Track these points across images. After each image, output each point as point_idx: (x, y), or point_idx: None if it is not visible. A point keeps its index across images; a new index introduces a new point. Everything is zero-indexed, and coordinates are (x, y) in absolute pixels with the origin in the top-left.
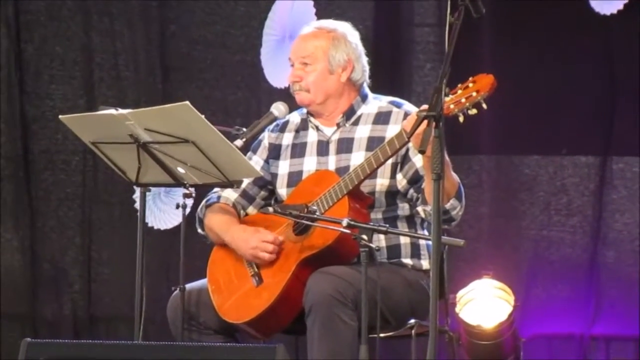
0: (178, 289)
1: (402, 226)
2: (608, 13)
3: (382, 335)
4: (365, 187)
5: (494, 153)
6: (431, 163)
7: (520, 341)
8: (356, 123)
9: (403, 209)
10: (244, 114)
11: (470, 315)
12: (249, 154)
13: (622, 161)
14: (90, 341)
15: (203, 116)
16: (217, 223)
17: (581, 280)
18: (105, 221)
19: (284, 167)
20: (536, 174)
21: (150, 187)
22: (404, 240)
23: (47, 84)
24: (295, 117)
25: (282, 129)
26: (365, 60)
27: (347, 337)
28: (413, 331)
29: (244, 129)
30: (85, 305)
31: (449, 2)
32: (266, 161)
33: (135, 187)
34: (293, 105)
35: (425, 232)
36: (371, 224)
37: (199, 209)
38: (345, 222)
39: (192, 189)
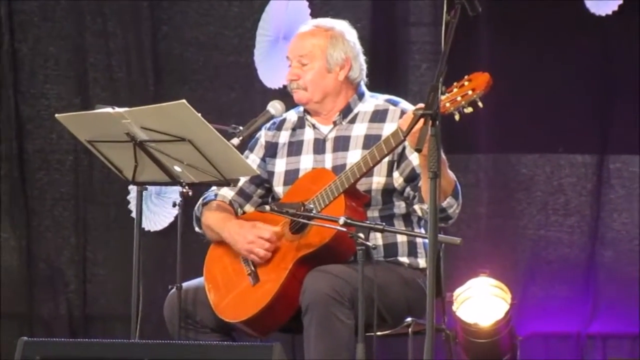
0: (175, 287)
1: (399, 224)
2: (603, 14)
3: (378, 333)
4: (361, 185)
5: (491, 152)
6: (428, 161)
7: (517, 339)
8: (353, 121)
9: (399, 207)
10: (237, 114)
11: (467, 313)
12: (245, 152)
13: (619, 160)
14: (87, 340)
15: (199, 114)
16: (214, 220)
17: (579, 280)
18: (100, 221)
19: (280, 165)
20: (533, 174)
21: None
22: (401, 239)
23: (41, 84)
24: (292, 115)
25: (279, 127)
26: (362, 58)
27: (344, 336)
28: (410, 329)
29: (241, 127)
30: (81, 305)
31: (445, 1)
32: (263, 159)
33: (130, 187)
34: (290, 104)
35: (422, 231)
36: (368, 222)
37: (195, 207)
38: (342, 220)
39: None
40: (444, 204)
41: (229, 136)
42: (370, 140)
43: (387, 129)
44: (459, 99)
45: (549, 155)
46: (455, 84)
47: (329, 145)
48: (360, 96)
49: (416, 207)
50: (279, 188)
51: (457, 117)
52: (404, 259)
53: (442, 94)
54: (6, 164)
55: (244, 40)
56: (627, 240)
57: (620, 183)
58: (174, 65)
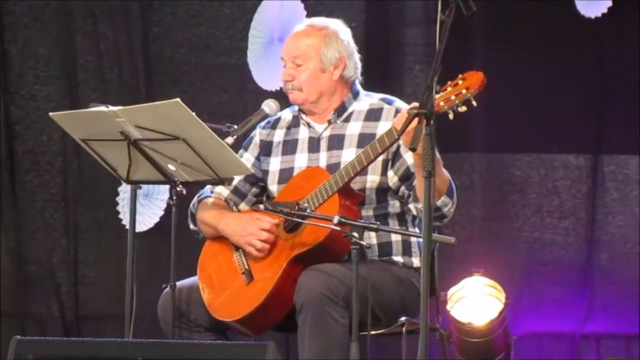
0: (169, 286)
1: (393, 223)
2: (593, 16)
3: (372, 332)
4: (355, 184)
5: (485, 151)
6: (422, 160)
7: (511, 339)
8: (347, 120)
9: (394, 206)
10: (229, 116)
11: (461, 312)
12: (240, 151)
13: (613, 163)
14: (80, 339)
15: (194, 113)
16: (210, 215)
17: (574, 282)
18: (90, 223)
19: (275, 164)
20: (527, 176)
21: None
22: (395, 238)
23: (31, 85)
24: (286, 114)
25: (274, 125)
26: (357, 57)
27: (338, 335)
28: (404, 329)
29: (235, 126)
30: (73, 307)
31: (440, 0)
32: (257, 158)
33: (119, 189)
34: (285, 104)
35: (417, 230)
36: (362, 221)
37: (191, 204)
38: (336, 219)
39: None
40: (439, 202)
41: (223, 135)
42: (364, 139)
43: (382, 127)
44: (453, 97)
45: (543, 157)
46: (449, 82)
47: (323, 144)
48: (355, 95)
49: (411, 206)
50: (273, 187)
51: (451, 116)
52: (398, 258)
53: (437, 93)
54: None
55: (235, 42)
56: (621, 242)
57: (615, 186)
58: (165, 67)
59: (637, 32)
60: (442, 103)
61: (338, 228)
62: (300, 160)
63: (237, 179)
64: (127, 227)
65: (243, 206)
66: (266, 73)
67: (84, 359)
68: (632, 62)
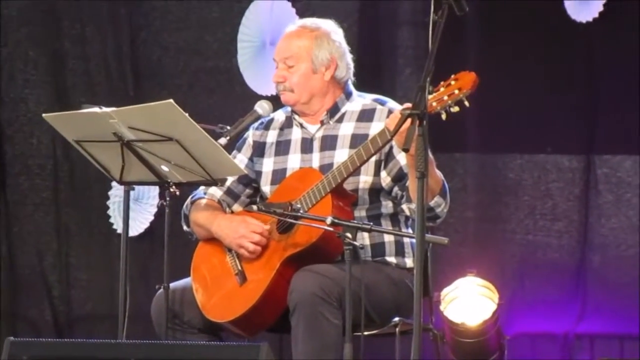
0: (162, 287)
1: (386, 224)
2: (584, 20)
3: (366, 333)
4: (348, 185)
5: (477, 152)
6: (415, 161)
7: (504, 339)
8: (340, 120)
9: (387, 206)
10: (218, 119)
11: (455, 313)
12: (233, 152)
13: (607, 166)
14: (74, 340)
15: (187, 114)
16: (203, 216)
17: (567, 284)
18: (81, 226)
19: (268, 165)
20: (520, 178)
21: (120, 195)
22: (388, 239)
23: (21, 88)
24: (280, 115)
25: (267, 126)
26: (349, 57)
27: (331, 336)
28: (397, 329)
29: (228, 127)
30: (65, 311)
31: (432, 1)
32: (250, 159)
33: (109, 193)
34: (278, 106)
35: (410, 230)
36: (355, 222)
37: (184, 206)
38: (329, 220)
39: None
40: (432, 203)
41: (216, 136)
42: (357, 140)
43: (375, 128)
44: (445, 98)
45: (536, 160)
46: (442, 83)
47: (316, 145)
48: (348, 95)
49: (404, 206)
50: (266, 187)
51: (443, 116)
52: (392, 259)
53: (429, 93)
54: None
55: (224, 45)
56: (614, 245)
57: (608, 189)
58: (153, 70)
59: (627, 35)
60: (434, 103)
61: (331, 229)
62: (293, 161)
63: (230, 180)
64: (119, 231)
65: (236, 207)
66: (260, 78)
67: None
68: (624, 65)
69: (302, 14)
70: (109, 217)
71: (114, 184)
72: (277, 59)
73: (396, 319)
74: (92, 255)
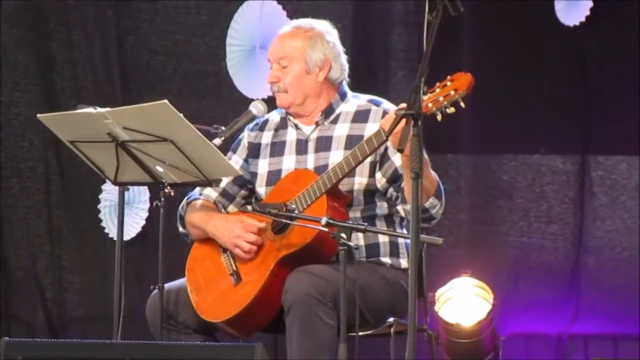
0: (157, 288)
1: (381, 225)
2: (571, 24)
3: (360, 333)
4: (343, 186)
5: (471, 153)
6: (410, 162)
7: (499, 339)
8: (335, 121)
9: (381, 207)
10: (208, 122)
11: (449, 313)
12: (228, 153)
13: (601, 168)
14: (69, 340)
15: (182, 115)
16: (198, 217)
17: (561, 286)
18: (73, 229)
19: (263, 166)
20: (514, 181)
21: (110, 199)
22: (383, 239)
23: (11, 92)
24: (274, 116)
25: (262, 127)
26: (344, 58)
27: (326, 336)
28: (392, 330)
29: (223, 128)
30: (58, 313)
31: (427, 1)
32: (245, 160)
33: (100, 196)
34: (272, 107)
35: (404, 231)
36: (350, 222)
37: (180, 207)
38: (324, 220)
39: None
40: (427, 204)
41: (211, 136)
42: (352, 141)
43: (369, 129)
44: (441, 99)
45: (530, 162)
46: (437, 84)
47: (311, 146)
48: (343, 96)
49: (399, 207)
50: (261, 189)
51: (439, 117)
52: (386, 259)
53: (425, 94)
54: None
55: (212, 49)
56: (609, 247)
57: (603, 191)
58: (141, 74)
59: (617, 37)
60: (430, 104)
61: (326, 229)
62: (288, 162)
63: (225, 181)
64: (111, 235)
65: (231, 208)
66: (251, 81)
67: None
68: (615, 67)
69: (292, 16)
70: (100, 220)
71: (104, 187)
72: (271, 60)
73: (391, 319)
74: (84, 258)
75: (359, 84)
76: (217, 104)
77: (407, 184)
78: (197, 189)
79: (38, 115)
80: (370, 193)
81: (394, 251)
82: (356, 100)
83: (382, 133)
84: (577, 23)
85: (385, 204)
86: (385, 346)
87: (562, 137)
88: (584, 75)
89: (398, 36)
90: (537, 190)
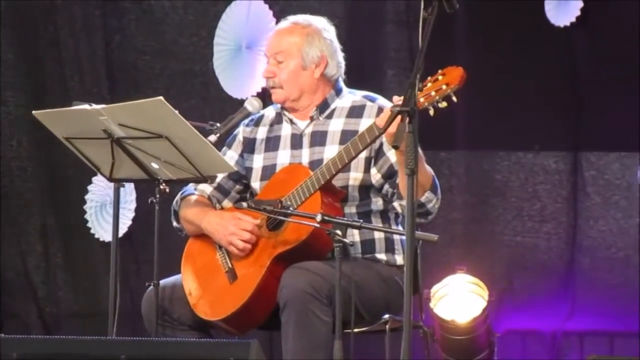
0: (152, 284)
1: (376, 221)
2: (562, 25)
3: (356, 330)
4: (338, 181)
5: (463, 153)
6: (405, 158)
7: (494, 336)
8: (330, 116)
9: (376, 203)
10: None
11: (445, 310)
12: (223, 148)
13: (594, 168)
14: (64, 337)
15: (177, 111)
16: (192, 212)
17: (556, 285)
18: (64, 228)
19: (258, 161)
20: (507, 180)
21: (96, 199)
22: (378, 235)
23: (1, 91)
24: (269, 112)
25: (257, 123)
26: (340, 55)
27: (321, 333)
28: (387, 326)
29: (218, 124)
30: (50, 312)
31: None
32: (241, 155)
33: (86, 197)
34: (267, 104)
35: (400, 228)
36: (345, 218)
37: (174, 202)
38: (319, 217)
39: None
40: (423, 199)
41: (206, 133)
42: (347, 136)
43: (364, 124)
44: (433, 93)
45: (523, 162)
46: (429, 78)
47: (305, 141)
48: (338, 92)
49: (395, 204)
50: (255, 183)
51: (432, 112)
52: (382, 256)
53: (419, 90)
54: None
55: (200, 49)
56: (604, 247)
57: (596, 191)
58: (128, 74)
59: (607, 37)
60: (422, 99)
61: (320, 226)
62: (283, 156)
63: (220, 176)
64: (97, 235)
65: (226, 203)
66: (235, 81)
67: (67, 358)
68: (605, 67)
69: (279, 16)
70: (86, 221)
71: (90, 187)
72: (267, 54)
73: (386, 316)
74: (75, 257)
75: (348, 84)
76: (205, 104)
77: (402, 180)
78: (192, 183)
79: (34, 112)
80: (366, 188)
81: (389, 247)
82: (351, 96)
83: (374, 129)
84: (568, 24)
85: (380, 200)
86: (380, 343)
87: (553, 136)
88: (575, 75)
89: (388, 35)
90: (529, 190)
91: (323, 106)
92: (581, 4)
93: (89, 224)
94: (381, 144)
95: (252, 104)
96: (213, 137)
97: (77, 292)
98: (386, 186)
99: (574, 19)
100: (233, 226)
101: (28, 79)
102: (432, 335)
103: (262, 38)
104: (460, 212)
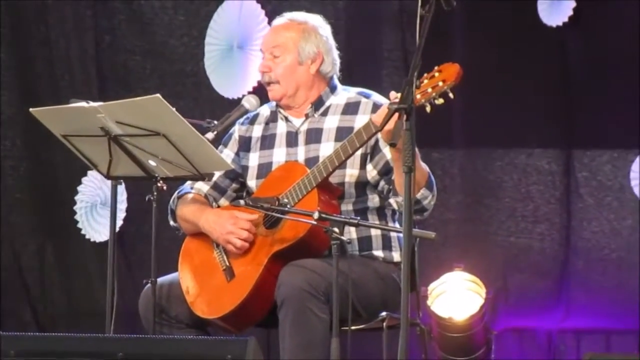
0: (149, 282)
1: (373, 218)
2: (554, 25)
3: (353, 328)
4: (334, 178)
5: (456, 153)
6: (402, 156)
7: (491, 334)
8: (325, 114)
9: (373, 200)
10: None
11: (442, 307)
12: (220, 147)
13: (586, 169)
14: (61, 334)
15: (174, 109)
16: (189, 211)
17: (551, 285)
18: (56, 227)
19: (254, 159)
20: (501, 180)
21: (86, 199)
22: (375, 232)
23: None
24: (265, 110)
25: (252, 121)
26: (336, 53)
27: (318, 330)
28: (384, 324)
29: (215, 122)
30: (43, 311)
31: None
32: (237, 154)
33: (76, 197)
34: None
35: (396, 224)
36: (342, 216)
37: (171, 201)
38: (316, 214)
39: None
40: (419, 195)
41: (203, 131)
42: (342, 133)
43: (359, 121)
44: (429, 90)
45: (516, 163)
46: (425, 75)
47: (301, 138)
48: (333, 89)
49: (391, 200)
50: (252, 182)
51: (428, 109)
52: (379, 253)
53: (417, 87)
54: None
55: (190, 49)
56: (597, 249)
57: (589, 192)
58: (118, 74)
59: (599, 37)
60: (419, 96)
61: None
62: (279, 154)
63: (217, 175)
64: (87, 236)
65: (223, 202)
66: (226, 80)
67: (65, 355)
68: (598, 68)
69: (271, 16)
70: (76, 222)
71: (80, 188)
72: (263, 49)
73: (383, 313)
74: (68, 257)
75: (340, 83)
76: (195, 104)
77: (398, 177)
78: (188, 182)
79: (31, 109)
80: (362, 185)
81: (387, 244)
82: (346, 93)
83: (371, 126)
84: (560, 23)
85: (377, 197)
86: (377, 340)
87: (546, 136)
88: (567, 75)
89: (381, 35)
90: (523, 190)
91: (318, 103)
92: (574, 4)
93: (79, 225)
94: (377, 140)
95: (250, 102)
96: (210, 135)
97: (70, 292)
98: (382, 183)
99: (566, 19)
100: (231, 225)
101: (19, 78)
102: (429, 333)
103: (253, 38)
104: (454, 212)
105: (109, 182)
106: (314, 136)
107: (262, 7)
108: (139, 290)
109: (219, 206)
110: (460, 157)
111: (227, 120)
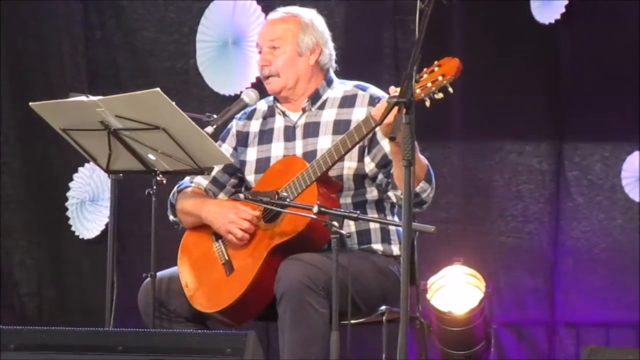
0: (149, 275)
1: (371, 211)
2: (547, 22)
3: (353, 321)
4: (332, 171)
5: (450, 153)
6: (402, 149)
7: (491, 328)
8: (322, 107)
9: (371, 193)
10: None
11: (442, 301)
12: (218, 142)
13: (577, 169)
14: (61, 328)
15: (174, 102)
16: (190, 203)
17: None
18: (48, 224)
19: (252, 154)
20: (490, 180)
21: (77, 196)
22: (374, 225)
23: None
24: (262, 105)
25: (250, 116)
26: (332, 45)
27: (318, 324)
28: (384, 318)
29: (215, 116)
30: (36, 310)
31: None
32: (235, 149)
33: (67, 194)
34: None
35: (395, 218)
36: (342, 210)
37: (170, 195)
38: (315, 208)
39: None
40: (418, 188)
41: (202, 124)
42: (339, 126)
43: (356, 114)
44: (429, 84)
45: (506, 162)
46: (425, 69)
47: (299, 132)
48: (329, 82)
49: (390, 193)
50: (250, 177)
51: (427, 103)
52: (378, 246)
53: (416, 82)
54: None
55: (181, 46)
56: (586, 249)
57: (579, 191)
58: (109, 71)
59: (591, 35)
60: (418, 90)
61: (317, 217)
62: (277, 149)
63: (216, 170)
64: (77, 233)
65: (222, 196)
66: (222, 77)
67: (65, 348)
68: (589, 65)
69: (266, 12)
70: (68, 218)
71: (71, 184)
72: (261, 44)
73: (383, 307)
74: (60, 253)
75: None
76: (186, 102)
77: (396, 170)
78: (188, 177)
79: (31, 103)
80: (360, 178)
81: (385, 237)
82: (342, 86)
83: (370, 120)
84: (552, 21)
85: (375, 190)
86: (377, 334)
87: (537, 136)
88: (559, 72)
89: (374, 33)
90: (513, 190)
91: (315, 97)
92: (566, 2)
93: (70, 222)
94: (374, 133)
95: (249, 96)
96: (210, 129)
97: (62, 288)
98: (380, 176)
99: (558, 16)
100: (233, 214)
101: (12, 75)
102: (429, 327)
103: (249, 34)
104: (445, 212)
105: (96, 178)
106: (311, 130)
107: (258, 3)
108: (131, 287)
109: None
110: (450, 156)
111: (227, 114)
